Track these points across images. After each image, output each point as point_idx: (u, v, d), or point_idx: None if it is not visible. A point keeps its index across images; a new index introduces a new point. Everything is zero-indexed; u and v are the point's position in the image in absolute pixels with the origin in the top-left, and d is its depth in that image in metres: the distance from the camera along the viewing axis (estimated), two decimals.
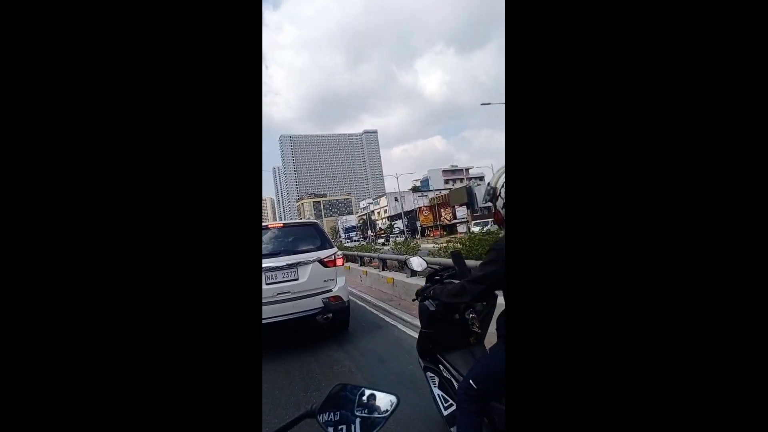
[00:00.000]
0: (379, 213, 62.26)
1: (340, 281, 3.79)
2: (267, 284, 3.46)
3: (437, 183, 70.18)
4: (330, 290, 3.69)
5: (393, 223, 41.73)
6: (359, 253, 9.40)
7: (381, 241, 38.26)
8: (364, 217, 73.11)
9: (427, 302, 1.71)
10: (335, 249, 3.91)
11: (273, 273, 3.50)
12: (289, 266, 3.56)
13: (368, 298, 6.05)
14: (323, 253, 3.74)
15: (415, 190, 65.13)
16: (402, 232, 43.87)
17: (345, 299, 3.79)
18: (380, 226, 53.47)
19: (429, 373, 1.86)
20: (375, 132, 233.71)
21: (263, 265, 3.41)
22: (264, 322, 3.33)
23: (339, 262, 3.83)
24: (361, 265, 8.54)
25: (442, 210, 39.51)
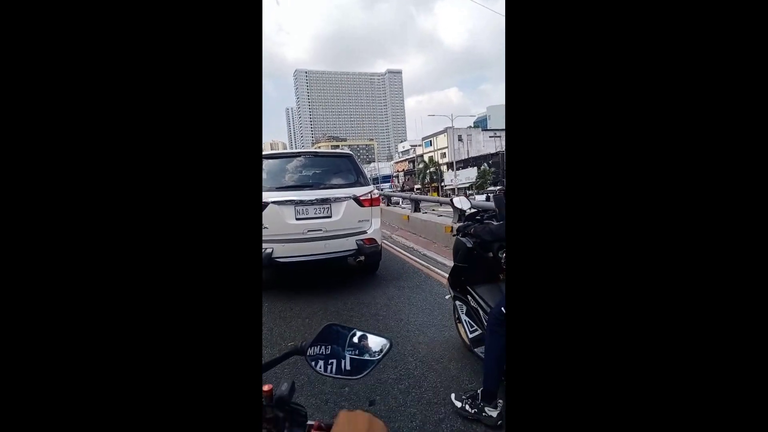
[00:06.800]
0: (431, 158, 47.38)
1: (375, 222, 3.66)
2: (297, 219, 3.29)
3: (500, 123, 54.26)
4: (365, 231, 3.55)
5: (491, 170, 27.27)
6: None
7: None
8: (403, 165, 58.65)
9: (464, 239, 2.00)
10: (371, 186, 3.76)
11: (303, 207, 3.31)
12: (322, 201, 3.36)
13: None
14: (359, 191, 3.55)
15: (483, 129, 49.63)
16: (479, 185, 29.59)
17: (379, 242, 3.70)
18: (450, 178, 38.79)
19: (458, 302, 2.18)
20: (399, 72, 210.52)
21: (292, 198, 3.30)
22: (292, 260, 3.29)
23: (375, 201, 3.69)
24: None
25: None
